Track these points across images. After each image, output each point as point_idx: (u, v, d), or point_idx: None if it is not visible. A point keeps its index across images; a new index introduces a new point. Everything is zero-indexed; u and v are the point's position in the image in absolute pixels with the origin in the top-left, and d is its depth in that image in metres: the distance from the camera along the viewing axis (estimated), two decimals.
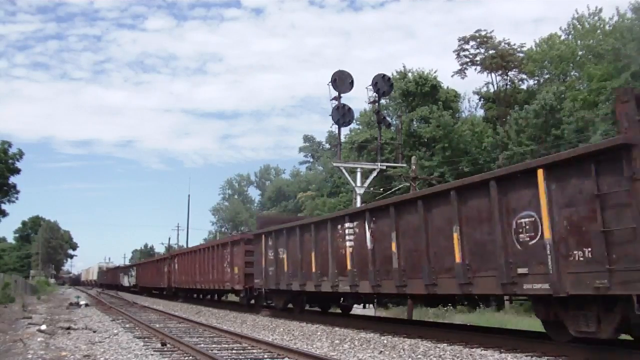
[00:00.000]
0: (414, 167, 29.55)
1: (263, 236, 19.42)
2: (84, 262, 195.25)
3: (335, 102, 24.30)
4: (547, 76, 45.47)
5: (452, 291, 10.79)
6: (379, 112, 26.48)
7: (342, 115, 24.34)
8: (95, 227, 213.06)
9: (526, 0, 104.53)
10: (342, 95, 24.40)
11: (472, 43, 46.45)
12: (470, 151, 41.07)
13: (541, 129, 36.11)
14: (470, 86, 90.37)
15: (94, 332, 14.66)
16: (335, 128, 25.63)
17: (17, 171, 43.47)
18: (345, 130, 41.87)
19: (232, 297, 29.42)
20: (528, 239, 8.99)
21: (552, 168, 8.63)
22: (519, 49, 45.83)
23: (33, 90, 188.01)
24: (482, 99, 49.16)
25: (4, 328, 15.54)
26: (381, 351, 10.34)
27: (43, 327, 15.52)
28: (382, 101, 32.21)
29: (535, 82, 46.46)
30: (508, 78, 46.56)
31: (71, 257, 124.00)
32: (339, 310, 19.04)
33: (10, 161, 42.30)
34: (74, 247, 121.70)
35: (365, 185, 24.87)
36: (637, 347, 9.08)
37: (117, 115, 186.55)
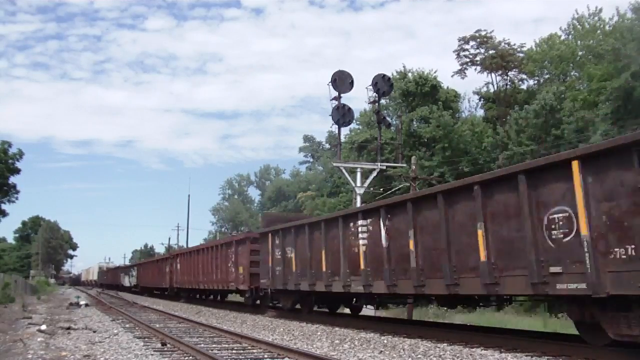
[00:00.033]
0: (414, 167, 29.56)
1: (270, 235, 18.82)
2: (84, 262, 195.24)
3: (335, 102, 24.31)
4: (547, 76, 45.49)
5: (476, 291, 10.16)
6: (379, 112, 26.48)
7: (342, 115, 24.34)
8: (95, 227, 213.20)
9: (526, 0, 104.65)
10: (342, 95, 24.41)
11: (472, 43, 46.52)
12: (470, 151, 41.09)
13: (541, 129, 36.12)
14: (470, 86, 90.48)
15: (94, 332, 14.65)
16: (335, 128, 25.65)
17: (17, 171, 43.52)
18: (345, 130, 41.97)
19: (233, 297, 29.23)
20: (562, 235, 8.44)
21: (589, 159, 8.08)
22: (519, 49, 45.87)
23: (33, 90, 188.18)
24: (482, 99, 49.19)
25: (4, 328, 15.54)
26: (381, 351, 10.33)
27: (43, 327, 15.52)
28: (382, 101, 32.22)
29: (535, 82, 46.49)
30: (508, 78, 46.60)
31: (71, 257, 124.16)
32: (347, 311, 18.63)
33: (10, 161, 42.33)
34: (74, 247, 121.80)
35: (365, 185, 24.87)
36: (638, 346, 9.06)
37: (117, 115, 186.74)
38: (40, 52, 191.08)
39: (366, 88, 25.52)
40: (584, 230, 8.07)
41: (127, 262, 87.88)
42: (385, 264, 12.38)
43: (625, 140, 7.73)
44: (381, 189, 34.19)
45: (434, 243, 10.98)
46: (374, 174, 25.22)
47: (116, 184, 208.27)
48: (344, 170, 25.33)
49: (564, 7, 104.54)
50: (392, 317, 21.28)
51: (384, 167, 26.04)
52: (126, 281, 54.22)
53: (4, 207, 44.34)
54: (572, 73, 44.35)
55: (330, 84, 24.26)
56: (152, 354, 10.40)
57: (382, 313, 24.84)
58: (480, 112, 49.44)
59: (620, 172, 7.68)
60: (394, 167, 28.19)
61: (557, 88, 38.39)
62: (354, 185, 24.67)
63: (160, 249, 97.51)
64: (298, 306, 18.64)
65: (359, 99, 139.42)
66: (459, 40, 46.97)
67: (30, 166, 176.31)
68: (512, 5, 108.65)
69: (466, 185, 10.34)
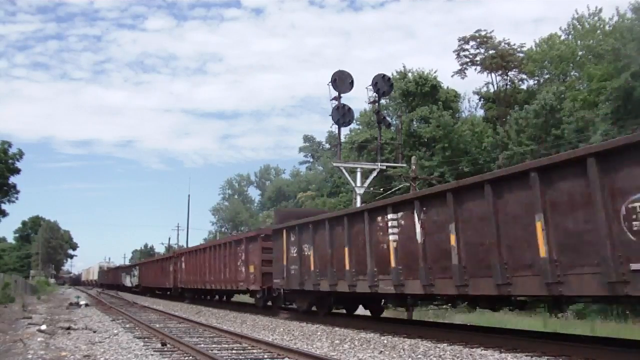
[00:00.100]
0: (414, 167, 29.58)
1: (284, 231, 17.56)
2: (84, 262, 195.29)
3: (335, 102, 24.32)
4: (547, 76, 45.55)
5: (535, 292, 9.03)
6: (379, 112, 26.50)
7: (342, 115, 24.36)
8: (95, 227, 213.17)
9: (526, 0, 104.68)
10: (342, 95, 24.42)
11: (472, 43, 46.62)
12: (470, 151, 41.13)
13: (541, 128, 36.16)
14: (470, 86, 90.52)
15: (94, 332, 14.65)
16: (335, 128, 25.67)
17: (17, 171, 43.54)
18: (345, 130, 42.01)
19: (238, 297, 28.96)
20: None
21: None
22: (519, 49, 45.95)
23: (33, 90, 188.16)
24: (482, 99, 49.25)
25: (4, 328, 15.54)
26: (381, 351, 10.33)
27: (43, 327, 15.51)
28: (382, 101, 32.25)
29: (535, 82, 46.56)
30: (508, 78, 46.67)
31: (71, 257, 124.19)
32: (367, 313, 17.48)
33: (10, 161, 42.35)
34: (74, 247, 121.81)
35: (365, 185, 24.88)
36: (638, 346, 9.08)
37: (117, 115, 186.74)
38: (40, 52, 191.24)
39: (366, 88, 25.56)
40: None
41: (127, 262, 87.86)
42: (420, 261, 11.22)
43: None
44: (381, 189, 34.21)
45: (480, 238, 9.82)
46: (374, 174, 25.23)
47: (116, 184, 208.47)
48: (344, 170, 25.34)
49: (564, 7, 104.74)
50: (392, 317, 21.26)
51: (384, 167, 26.05)
52: (127, 281, 53.47)
53: (4, 207, 44.41)
54: (572, 73, 44.42)
55: (330, 84, 24.28)
56: (152, 354, 10.40)
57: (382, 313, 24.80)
58: (480, 112, 49.57)
59: None
60: (394, 167, 28.20)
61: (557, 88, 38.45)
62: (354, 185, 24.68)
63: (160, 249, 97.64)
64: (313, 308, 17.58)
65: (359, 99, 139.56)
66: (459, 40, 47.10)
67: (30, 166, 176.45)
68: (512, 5, 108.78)
69: (520, 173, 9.15)
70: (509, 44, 45.88)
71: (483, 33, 46.11)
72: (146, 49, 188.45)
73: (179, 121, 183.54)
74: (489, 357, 9.27)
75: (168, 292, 37.03)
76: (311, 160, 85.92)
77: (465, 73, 47.90)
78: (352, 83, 24.57)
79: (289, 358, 9.64)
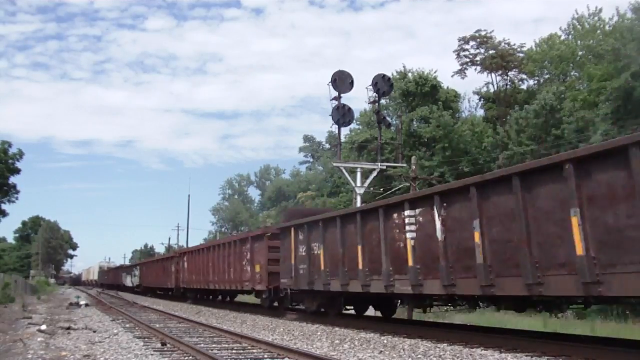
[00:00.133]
0: (414, 167, 29.57)
1: (292, 229, 16.98)
2: (84, 262, 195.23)
3: (335, 102, 24.32)
4: (547, 76, 45.58)
5: (570, 292, 8.42)
6: (379, 112, 26.50)
7: (342, 115, 24.36)
8: (95, 227, 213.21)
9: (526, 0, 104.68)
10: (342, 95, 24.42)
11: (472, 43, 46.64)
12: (470, 151, 41.15)
13: (541, 128, 36.17)
14: (470, 86, 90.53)
15: (94, 332, 14.65)
16: (335, 128, 25.67)
17: (17, 171, 43.57)
18: (345, 130, 42.00)
19: (241, 298, 28.82)
20: None
21: None
22: (519, 49, 45.97)
23: (33, 90, 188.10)
24: (482, 99, 49.27)
25: (4, 328, 15.54)
26: (381, 351, 10.33)
27: (43, 327, 15.51)
28: (382, 101, 32.25)
29: (535, 82, 46.59)
30: (508, 78, 46.70)
31: (71, 257, 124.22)
32: (378, 314, 17.03)
33: (10, 161, 42.38)
34: (74, 247, 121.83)
35: (365, 185, 24.88)
36: (638, 346, 9.08)
37: (117, 115, 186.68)
38: (40, 52, 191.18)
39: (366, 88, 25.56)
40: None
41: (127, 262, 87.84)
42: (441, 260, 10.58)
43: None
44: (381, 189, 34.21)
45: (507, 234, 9.24)
46: (374, 174, 25.23)
47: (116, 184, 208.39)
48: (344, 170, 25.34)
49: (564, 7, 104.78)
50: (392, 317, 21.25)
51: (384, 167, 26.06)
52: (128, 281, 53.06)
53: (4, 207, 44.44)
54: (572, 73, 44.45)
55: (330, 84, 24.28)
56: (152, 354, 10.40)
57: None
58: (480, 112, 49.60)
59: None
60: (394, 167, 28.21)
61: (557, 88, 38.47)
62: (354, 185, 24.68)
63: (160, 249, 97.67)
64: (320, 308, 17.05)
65: (359, 99, 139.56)
66: (459, 40, 47.11)
67: (30, 166, 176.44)
68: (512, 5, 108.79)
69: (552, 165, 8.56)
70: (509, 44, 45.94)
71: (483, 33, 46.16)
72: (146, 49, 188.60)
73: (179, 121, 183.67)
74: (489, 357, 9.27)
75: (169, 293, 36.61)
76: (311, 160, 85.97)
77: (465, 73, 47.98)
78: (352, 83, 24.58)
79: (289, 358, 9.64)
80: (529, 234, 8.82)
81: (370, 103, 27.31)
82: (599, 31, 42.93)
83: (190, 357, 10.09)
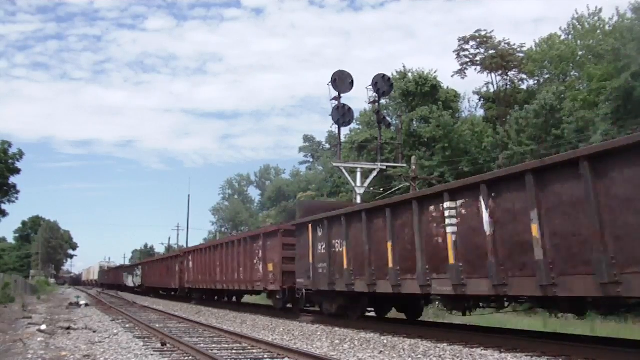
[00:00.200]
0: (414, 167, 29.61)
1: (310, 225, 15.81)
2: (84, 262, 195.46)
3: (335, 102, 24.36)
4: (547, 76, 45.59)
5: None
6: (379, 112, 26.54)
7: (342, 115, 24.38)
8: (95, 227, 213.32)
9: (526, 0, 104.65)
10: (342, 95, 24.46)
11: (472, 43, 46.64)
12: (470, 151, 41.16)
13: (541, 128, 36.18)
14: (470, 86, 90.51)
15: (94, 332, 14.65)
16: (335, 128, 25.72)
17: (17, 171, 43.59)
18: (345, 130, 42.07)
19: (247, 299, 28.56)
20: None
21: None
22: (519, 49, 45.98)
23: (33, 90, 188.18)
24: (482, 99, 49.28)
25: (4, 328, 15.54)
26: (381, 351, 10.33)
27: (43, 327, 15.51)
28: (382, 101, 32.28)
29: (535, 82, 46.61)
30: (508, 78, 46.71)
31: (71, 257, 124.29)
32: (402, 316, 16.07)
33: (10, 161, 42.41)
34: (74, 247, 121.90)
35: (365, 185, 24.90)
36: (638, 346, 9.08)
37: (117, 115, 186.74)
38: (40, 52, 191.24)
39: (366, 88, 25.61)
40: None
41: (127, 262, 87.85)
42: (489, 256, 9.52)
43: None
44: (381, 189, 34.23)
45: (573, 227, 8.19)
46: (374, 173, 25.26)
47: (116, 184, 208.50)
48: (344, 170, 25.36)
49: (564, 7, 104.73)
50: (392, 317, 21.25)
51: (384, 167, 26.08)
52: (130, 281, 52.37)
53: (4, 207, 44.48)
54: (572, 73, 44.46)
55: (330, 84, 24.31)
56: (152, 354, 10.40)
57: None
58: (480, 112, 49.61)
59: None
60: (394, 167, 28.23)
61: (557, 88, 38.49)
62: (354, 185, 24.70)
63: (160, 249, 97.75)
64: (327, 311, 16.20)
65: (359, 99, 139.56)
66: (459, 40, 47.12)
67: (30, 166, 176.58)
68: (512, 5, 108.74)
69: (627, 147, 7.53)
70: (509, 44, 45.95)
71: (483, 33, 46.17)
72: (146, 49, 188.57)
73: (179, 121, 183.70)
74: (489, 357, 9.27)
75: (173, 293, 35.95)
76: (311, 160, 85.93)
77: (465, 73, 47.99)
78: (352, 83, 24.60)
79: (289, 358, 9.63)
80: (602, 225, 7.74)
81: (370, 103, 27.35)
82: (599, 31, 42.94)
83: (190, 357, 10.09)
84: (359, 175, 24.80)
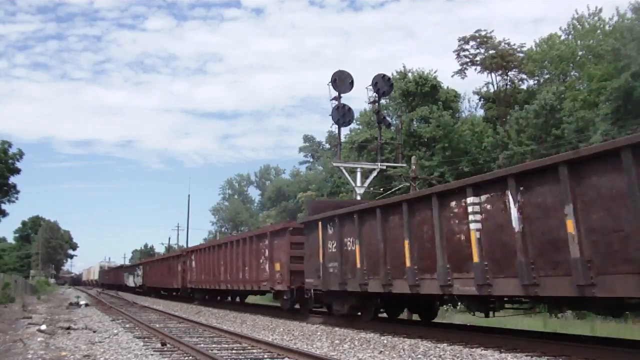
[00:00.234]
0: (414, 167, 29.57)
1: (320, 223, 15.32)
2: (84, 262, 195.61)
3: (335, 102, 24.35)
4: (547, 76, 45.58)
5: None
6: (379, 112, 26.53)
7: (342, 115, 24.38)
8: (95, 227, 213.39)
9: (526, 0, 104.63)
10: (342, 95, 24.46)
11: (472, 43, 46.62)
12: (470, 151, 41.14)
13: (541, 128, 36.17)
14: (470, 86, 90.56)
15: (94, 332, 14.65)
16: (335, 128, 25.71)
17: (17, 171, 43.57)
18: (345, 130, 42.06)
19: (249, 298, 28.47)
20: None
21: None
22: (519, 49, 45.96)
23: (33, 90, 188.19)
24: (482, 99, 49.26)
25: (4, 328, 15.54)
26: (381, 351, 10.33)
27: (43, 327, 15.51)
28: (382, 101, 32.27)
29: (535, 82, 46.60)
30: (508, 78, 46.69)
31: (71, 257, 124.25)
32: (416, 318, 15.56)
33: (10, 161, 42.38)
34: (74, 247, 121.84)
35: (365, 185, 24.89)
36: (638, 346, 9.08)
37: (117, 115, 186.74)
38: (40, 52, 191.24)
39: (366, 88, 25.60)
40: None
41: (127, 262, 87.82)
42: (518, 254, 8.98)
43: None
44: (381, 189, 34.21)
45: (613, 222, 7.69)
46: (374, 173, 25.26)
47: (116, 184, 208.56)
48: (344, 170, 25.36)
49: (564, 7, 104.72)
50: (392, 317, 21.22)
51: (384, 167, 26.08)
52: (130, 281, 52.04)
53: (4, 207, 44.43)
54: (572, 73, 44.45)
55: (330, 84, 24.31)
56: (152, 354, 10.40)
57: (381, 313, 24.79)
58: (480, 112, 49.58)
59: None
60: (394, 167, 28.22)
61: (557, 88, 38.48)
62: (354, 185, 24.69)
63: (160, 249, 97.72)
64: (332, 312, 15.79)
65: (359, 99, 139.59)
66: (459, 40, 47.10)
67: (30, 166, 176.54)
68: (512, 5, 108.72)
69: None
70: (509, 44, 45.93)
71: (483, 33, 46.14)
72: (146, 49, 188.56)
73: (179, 121, 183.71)
74: (489, 357, 9.27)
75: (174, 293, 35.58)
76: (311, 160, 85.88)
77: (465, 73, 47.96)
78: (352, 83, 24.60)
79: (289, 358, 9.64)
80: None
81: (370, 103, 27.34)
82: (599, 31, 42.94)
83: (190, 357, 10.09)
84: (359, 175, 24.80)
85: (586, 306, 9.55)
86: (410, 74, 45.29)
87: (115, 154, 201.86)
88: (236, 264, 22.61)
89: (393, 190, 33.40)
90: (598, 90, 36.07)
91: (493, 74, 46.79)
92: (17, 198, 44.48)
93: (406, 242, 11.69)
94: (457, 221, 10.49)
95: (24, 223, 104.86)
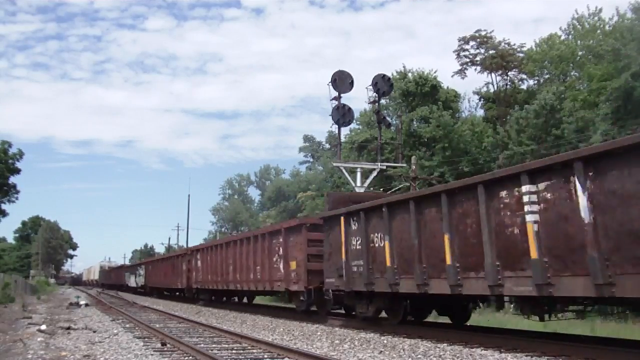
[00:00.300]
0: (414, 167, 29.59)
1: (342, 218, 14.15)
2: (84, 262, 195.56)
3: (335, 102, 24.33)
4: (547, 76, 45.56)
5: None
6: (379, 112, 26.52)
7: (342, 115, 24.37)
8: (95, 227, 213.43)
9: (526, 0, 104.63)
10: (342, 95, 24.44)
11: (472, 43, 46.56)
12: (470, 151, 41.13)
13: (541, 128, 36.16)
14: (470, 86, 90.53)
15: (94, 332, 14.65)
16: (335, 128, 25.69)
17: (17, 171, 43.61)
18: (345, 130, 42.00)
19: (258, 299, 28.19)
20: None
21: None
22: (519, 49, 45.92)
23: (33, 90, 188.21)
24: (482, 99, 49.23)
25: (4, 328, 15.54)
26: (381, 351, 10.33)
27: (43, 327, 15.52)
28: (382, 101, 32.25)
29: (535, 82, 46.57)
30: (508, 78, 46.65)
31: (71, 257, 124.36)
32: (447, 320, 14.56)
33: (10, 161, 42.42)
34: (74, 247, 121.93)
35: (365, 185, 24.88)
36: (638, 346, 9.08)
37: (117, 115, 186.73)
38: (40, 52, 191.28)
39: (366, 88, 25.58)
40: None
41: (127, 262, 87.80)
42: (589, 249, 7.80)
43: None
44: (381, 189, 34.21)
45: None
46: (374, 173, 25.24)
47: (116, 184, 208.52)
48: (344, 170, 25.35)
49: (564, 7, 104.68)
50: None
51: (384, 167, 26.07)
52: (132, 281, 51.26)
53: (4, 207, 44.49)
54: (572, 73, 44.43)
55: (330, 84, 24.29)
56: (152, 354, 10.40)
57: (381, 313, 24.74)
58: (480, 112, 49.54)
59: None
60: (394, 167, 28.22)
61: (557, 88, 38.46)
62: (354, 185, 24.68)
63: (160, 249, 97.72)
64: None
65: (359, 99, 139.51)
66: (459, 40, 47.05)
67: (30, 166, 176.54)
68: (512, 5, 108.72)
69: None
70: (509, 44, 45.89)
71: (483, 33, 46.09)
72: (146, 49, 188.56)
73: (179, 121, 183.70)
74: (489, 357, 9.28)
75: (177, 293, 34.84)
76: (311, 160, 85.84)
77: (465, 73, 47.90)
78: (352, 83, 24.59)
79: (289, 358, 9.64)
80: None
81: (370, 103, 27.32)
82: (599, 31, 42.92)
83: (190, 357, 10.09)
84: (359, 175, 24.79)
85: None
86: (410, 74, 45.29)
87: (115, 154, 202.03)
88: (247, 263, 21.53)
89: (393, 190, 33.41)
90: (598, 90, 36.06)
91: (493, 74, 46.77)
92: (17, 198, 44.61)
93: (446, 237, 10.59)
94: (508, 212, 9.35)
95: (24, 223, 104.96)
